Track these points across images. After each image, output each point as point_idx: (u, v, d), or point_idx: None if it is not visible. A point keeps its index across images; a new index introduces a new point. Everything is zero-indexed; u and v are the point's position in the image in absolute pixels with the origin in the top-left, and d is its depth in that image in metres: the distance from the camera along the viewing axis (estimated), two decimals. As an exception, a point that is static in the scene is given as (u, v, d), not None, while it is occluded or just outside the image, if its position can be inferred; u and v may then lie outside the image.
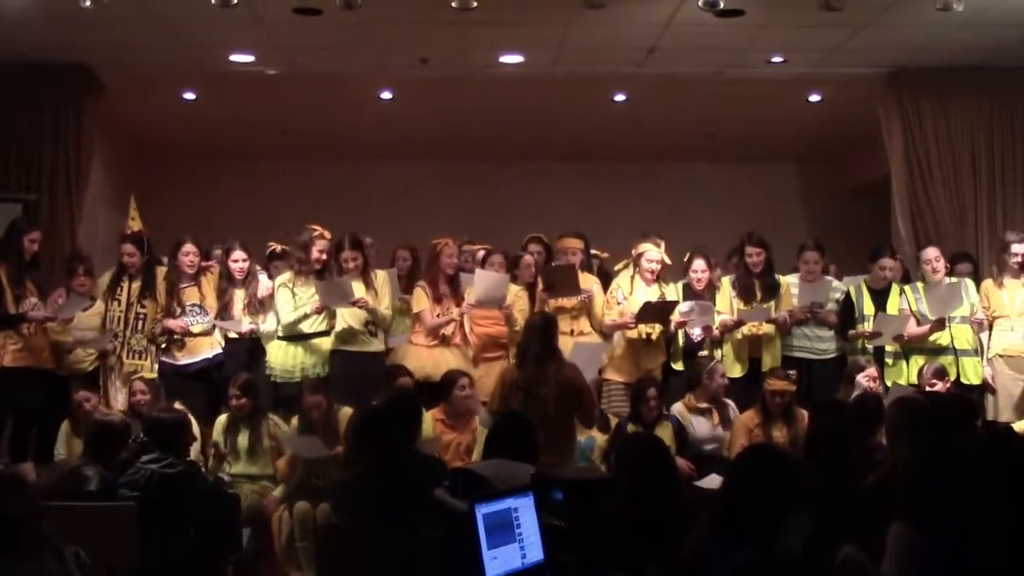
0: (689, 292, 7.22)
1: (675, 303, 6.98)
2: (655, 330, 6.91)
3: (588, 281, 7.12)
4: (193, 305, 7.01)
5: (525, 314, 6.85)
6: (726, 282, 7.30)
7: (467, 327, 7.03)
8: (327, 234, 6.97)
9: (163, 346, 6.99)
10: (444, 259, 7.01)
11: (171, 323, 6.91)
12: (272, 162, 11.27)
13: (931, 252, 7.26)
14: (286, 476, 6.27)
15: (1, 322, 6.72)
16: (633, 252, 7.19)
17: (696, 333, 7.13)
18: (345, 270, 6.86)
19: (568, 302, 6.90)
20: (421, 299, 6.97)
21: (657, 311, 6.87)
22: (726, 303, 7.18)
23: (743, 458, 3.32)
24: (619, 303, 7.03)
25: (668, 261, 7.18)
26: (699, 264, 7.24)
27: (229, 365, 6.96)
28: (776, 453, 3.49)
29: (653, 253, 7.08)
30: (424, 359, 6.86)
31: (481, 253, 7.63)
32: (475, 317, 7.02)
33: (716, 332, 7.10)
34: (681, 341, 7.16)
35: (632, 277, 7.14)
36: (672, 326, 7.02)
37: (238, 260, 7.07)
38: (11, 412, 6.82)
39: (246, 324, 7.00)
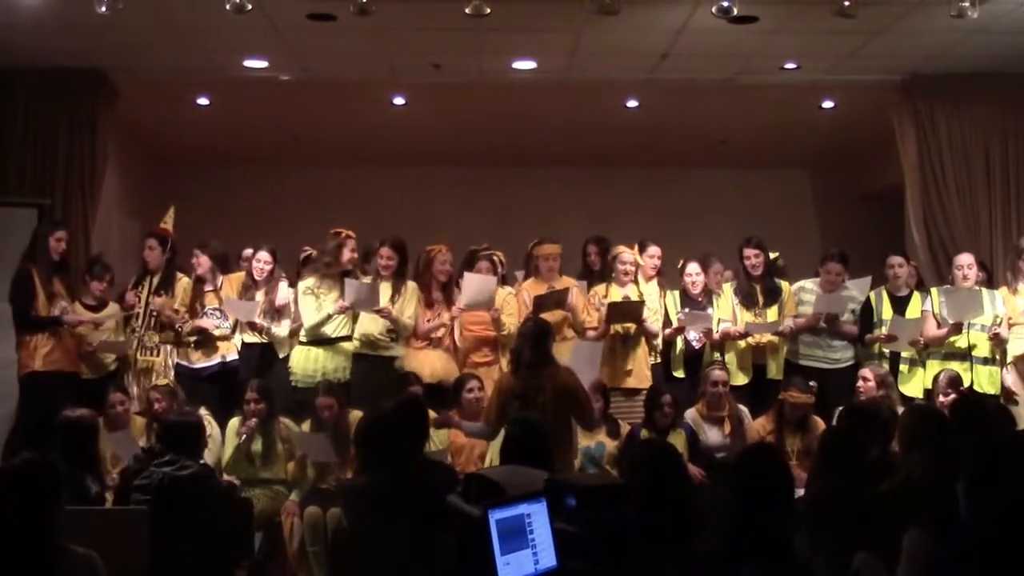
0: (686, 298, 7.21)
1: (642, 303, 6.96)
2: (630, 328, 6.93)
3: (564, 283, 7.15)
4: (214, 309, 7.05)
5: (515, 317, 6.92)
6: (727, 288, 7.29)
7: (456, 331, 7.07)
8: (352, 233, 7.05)
9: (191, 345, 7.06)
10: (437, 265, 7.08)
11: (203, 322, 6.98)
12: (285, 167, 11.30)
13: (964, 258, 7.21)
14: (296, 476, 6.30)
15: (35, 325, 6.76)
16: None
17: (694, 337, 7.11)
18: (379, 269, 6.92)
19: (552, 315, 6.85)
20: None
21: (624, 311, 6.88)
22: (728, 310, 7.17)
23: (740, 460, 3.32)
24: (597, 310, 7.02)
25: (641, 262, 7.17)
26: (692, 268, 7.24)
27: (243, 370, 6.98)
28: (773, 452, 3.49)
29: (627, 256, 7.10)
30: (411, 359, 6.92)
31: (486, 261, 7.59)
32: (465, 323, 7.06)
33: (717, 337, 7.08)
34: (679, 348, 7.15)
35: (608, 283, 7.15)
36: (668, 333, 7.05)
37: (260, 261, 7.12)
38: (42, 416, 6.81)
39: (257, 311, 6.98)
